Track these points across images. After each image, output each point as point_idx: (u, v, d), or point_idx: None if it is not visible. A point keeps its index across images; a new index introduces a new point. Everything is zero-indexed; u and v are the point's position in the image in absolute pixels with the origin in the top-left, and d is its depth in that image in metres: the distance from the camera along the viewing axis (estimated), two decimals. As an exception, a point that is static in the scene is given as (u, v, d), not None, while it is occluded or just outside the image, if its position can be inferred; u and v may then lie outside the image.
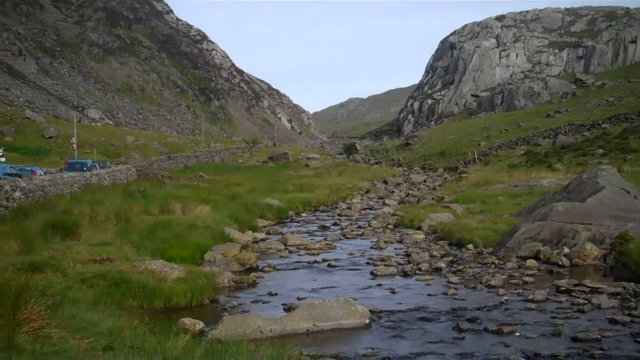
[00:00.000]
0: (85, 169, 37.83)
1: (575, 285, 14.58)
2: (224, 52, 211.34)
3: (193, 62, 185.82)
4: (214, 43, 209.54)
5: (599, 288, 14.17)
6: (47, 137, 68.97)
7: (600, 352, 10.08)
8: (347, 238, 25.16)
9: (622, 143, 56.48)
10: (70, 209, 21.34)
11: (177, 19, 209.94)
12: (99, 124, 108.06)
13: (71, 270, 13.76)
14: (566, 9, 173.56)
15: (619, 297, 13.45)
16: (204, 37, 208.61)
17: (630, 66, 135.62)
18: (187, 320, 11.80)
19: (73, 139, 56.44)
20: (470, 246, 20.94)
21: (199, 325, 11.78)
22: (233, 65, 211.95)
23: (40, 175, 32.69)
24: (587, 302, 13.10)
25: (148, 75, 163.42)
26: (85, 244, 17.07)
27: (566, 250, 18.11)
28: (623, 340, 10.68)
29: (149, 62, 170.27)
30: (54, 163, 50.07)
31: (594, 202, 20.17)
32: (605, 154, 53.91)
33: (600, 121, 73.27)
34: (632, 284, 14.33)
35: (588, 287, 14.35)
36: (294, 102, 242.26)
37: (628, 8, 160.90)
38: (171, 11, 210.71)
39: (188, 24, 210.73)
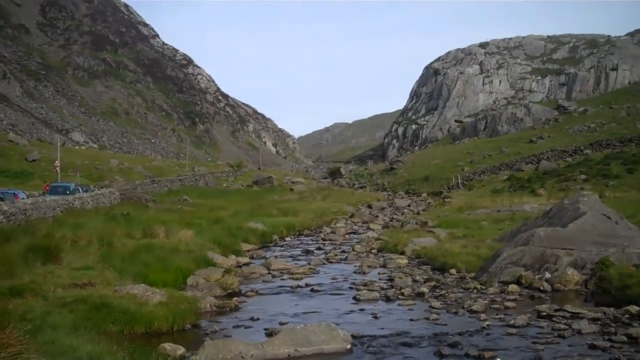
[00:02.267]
0: (68, 192, 37.59)
1: (556, 310, 14.65)
2: (209, 76, 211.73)
3: (178, 86, 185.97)
4: (199, 67, 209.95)
5: (579, 313, 14.24)
6: (31, 160, 68.54)
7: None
8: (331, 262, 25.15)
9: (604, 169, 57.03)
10: (52, 232, 21.20)
11: (163, 43, 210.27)
12: (83, 147, 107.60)
13: (52, 294, 13.68)
14: (548, 37, 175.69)
15: (599, 322, 13.53)
16: (190, 61, 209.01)
17: (611, 93, 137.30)
18: (167, 346, 11.73)
19: (56, 162, 56.16)
20: (453, 271, 20.99)
21: (180, 350, 11.71)
22: (218, 89, 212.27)
23: (23, 198, 32.45)
24: (567, 327, 13.17)
25: (133, 99, 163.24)
26: (67, 268, 16.97)
27: (548, 275, 18.21)
28: (603, 366, 10.74)
29: (134, 85, 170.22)
30: (36, 186, 49.71)
31: (576, 227, 20.32)
32: (587, 179, 54.38)
33: (582, 147, 73.99)
34: (612, 309, 14.40)
35: (569, 312, 14.42)
36: (279, 126, 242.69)
37: (609, 36, 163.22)
38: (157, 35, 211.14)
39: (174, 48, 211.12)
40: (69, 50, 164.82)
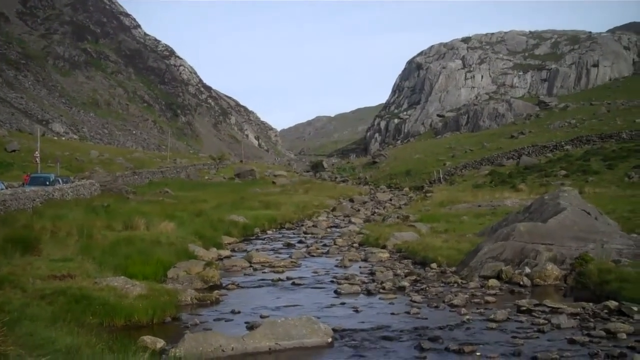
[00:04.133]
0: (48, 183, 37.27)
1: (535, 305, 14.75)
2: (191, 67, 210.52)
3: (160, 77, 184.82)
4: (181, 59, 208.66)
5: (559, 308, 14.35)
6: (10, 151, 67.82)
7: (559, 371, 10.20)
8: (312, 256, 25.16)
9: (584, 165, 57.45)
10: (31, 223, 21.02)
11: (145, 34, 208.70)
12: (63, 138, 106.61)
13: (30, 286, 13.56)
14: (530, 32, 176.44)
15: (578, 317, 13.64)
16: (172, 52, 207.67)
17: (592, 89, 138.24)
18: (147, 338, 11.68)
19: (36, 152, 55.64)
20: (434, 265, 21.08)
21: (160, 343, 11.67)
22: (201, 81, 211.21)
23: (2, 189, 32.11)
24: (547, 322, 13.26)
25: (114, 90, 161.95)
26: (46, 259, 16.82)
27: (528, 270, 18.32)
28: (581, 360, 10.82)
29: (115, 76, 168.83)
30: (16, 177, 49.22)
31: (556, 223, 20.46)
32: (567, 175, 54.74)
33: (563, 143, 74.44)
34: (591, 304, 14.53)
35: (548, 307, 14.52)
36: (262, 119, 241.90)
37: (590, 32, 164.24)
38: (139, 26, 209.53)
39: (156, 39, 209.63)
40: (49, 40, 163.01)
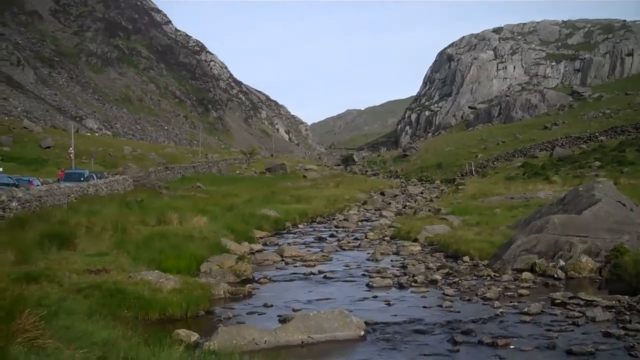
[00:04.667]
0: (82, 179, 37.79)
1: (570, 298, 14.59)
2: (222, 62, 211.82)
3: (191, 72, 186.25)
4: (212, 54, 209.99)
5: (593, 301, 14.17)
6: (45, 147, 68.99)
7: (594, 365, 10.10)
8: (344, 249, 25.16)
9: (618, 156, 56.60)
10: (66, 219, 21.31)
11: (176, 30, 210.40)
12: (96, 134, 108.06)
13: (67, 280, 13.77)
14: (563, 22, 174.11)
15: (613, 310, 13.45)
16: (203, 47, 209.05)
17: (627, 79, 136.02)
18: (181, 332, 11.80)
19: (70, 149, 56.52)
20: (466, 258, 20.93)
21: (194, 336, 11.78)
22: (231, 76, 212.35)
23: (38, 185, 32.65)
24: (581, 315, 13.10)
25: (146, 86, 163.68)
26: (82, 254, 17.07)
27: (562, 262, 18.12)
28: (617, 354, 10.68)
29: (147, 72, 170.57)
30: (51, 173, 50.04)
31: (590, 214, 20.21)
32: (601, 166, 54.00)
33: (597, 134, 73.43)
34: (626, 297, 14.31)
35: (583, 300, 14.35)
36: (292, 113, 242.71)
37: (624, 21, 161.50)
38: (170, 22, 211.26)
39: (187, 35, 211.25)
40: (82, 37, 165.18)
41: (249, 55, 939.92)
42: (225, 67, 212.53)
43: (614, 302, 14.04)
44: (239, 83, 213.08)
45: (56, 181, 38.99)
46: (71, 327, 9.18)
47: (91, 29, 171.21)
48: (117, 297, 13.22)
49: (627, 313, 13.13)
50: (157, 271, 15.75)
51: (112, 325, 10.18)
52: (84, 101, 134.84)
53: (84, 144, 74.55)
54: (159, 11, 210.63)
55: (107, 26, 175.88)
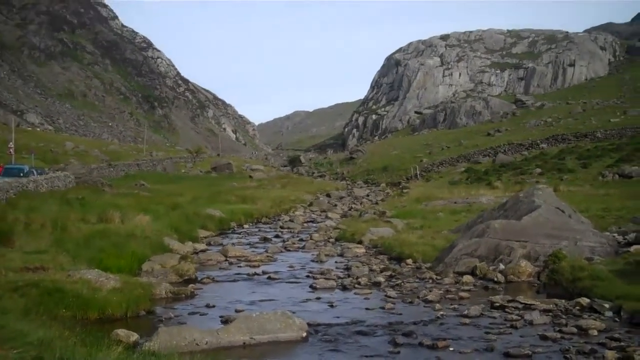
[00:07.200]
0: (22, 174, 36.84)
1: (509, 301, 14.88)
2: (169, 60, 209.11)
3: (137, 69, 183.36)
4: (159, 51, 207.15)
5: (531, 304, 14.50)
6: (-17, 141, 66.97)
7: (531, 367, 10.30)
8: (289, 250, 25.16)
9: (559, 163, 58.08)
10: (4, 215, 20.79)
11: (122, 25, 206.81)
12: (38, 129, 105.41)
13: (3, 278, 13.43)
14: (508, 31, 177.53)
15: (550, 313, 13.79)
16: (150, 44, 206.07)
17: (568, 89, 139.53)
18: (121, 332, 11.61)
19: (10, 143, 55.02)
20: (410, 261, 21.16)
21: (134, 336, 11.60)
22: (178, 74, 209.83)
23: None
24: (520, 318, 13.39)
25: (90, 81, 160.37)
26: (19, 251, 16.67)
27: (502, 266, 18.48)
28: (553, 357, 10.95)
29: (91, 67, 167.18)
30: (-11, 168, 48.60)
31: (530, 220, 20.66)
32: (542, 173, 55.30)
33: (538, 141, 75.10)
34: (563, 301, 14.70)
35: (521, 303, 14.66)
36: (240, 112, 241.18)
37: (567, 32, 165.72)
38: (116, 17, 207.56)
39: (133, 31, 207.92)
40: (25, 30, 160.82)
41: (197, 54, 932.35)
42: (172, 65, 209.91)
43: (551, 305, 14.40)
44: (186, 81, 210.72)
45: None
46: (5, 327, 8.92)
47: (35, 21, 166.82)
48: (54, 296, 12.94)
49: (564, 317, 13.48)
50: (97, 270, 15.47)
51: (49, 324, 9.94)
52: (25, 95, 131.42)
53: (25, 138, 72.69)
54: (105, 6, 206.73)
55: (51, 19, 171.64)
